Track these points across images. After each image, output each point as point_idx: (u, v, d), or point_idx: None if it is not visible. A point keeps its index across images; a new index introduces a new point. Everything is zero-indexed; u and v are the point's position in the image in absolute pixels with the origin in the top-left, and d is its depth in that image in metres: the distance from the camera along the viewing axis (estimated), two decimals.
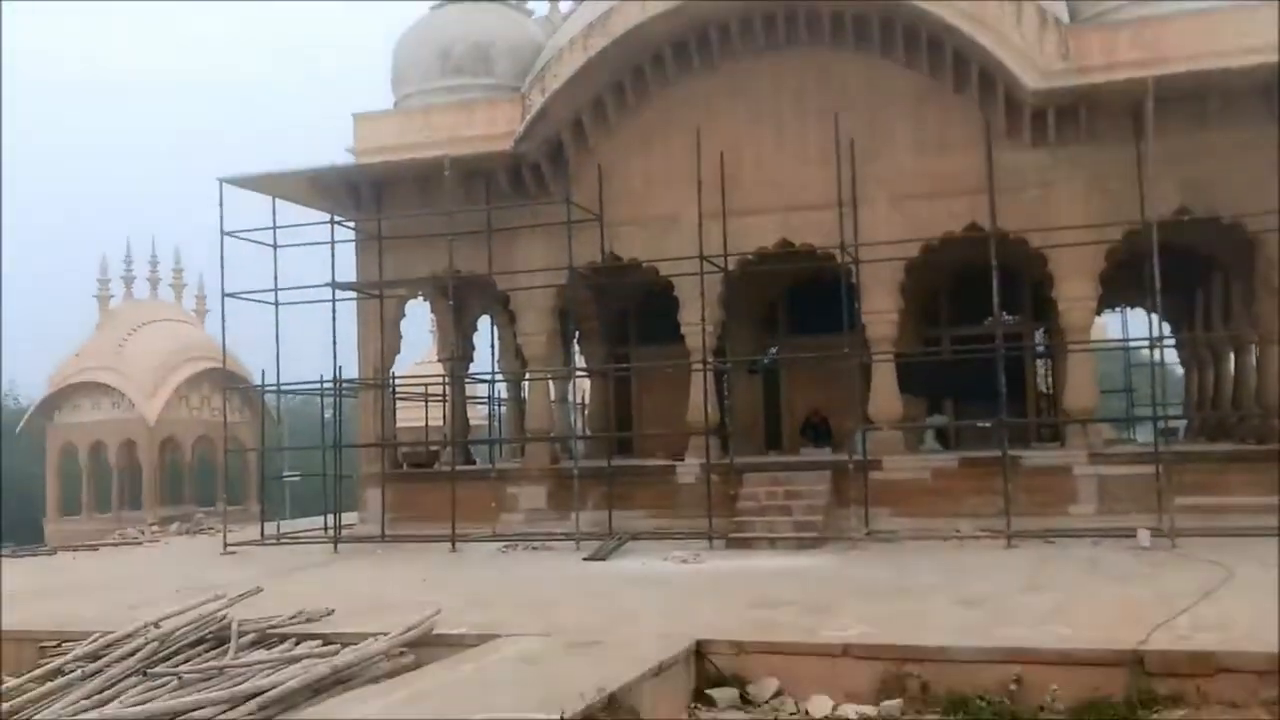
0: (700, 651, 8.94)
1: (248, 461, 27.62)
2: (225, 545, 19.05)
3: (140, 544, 22.82)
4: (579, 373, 24.61)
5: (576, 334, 22.73)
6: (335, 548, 18.41)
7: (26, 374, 42.15)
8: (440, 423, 22.98)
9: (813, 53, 18.23)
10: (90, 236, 40.77)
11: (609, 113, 19.06)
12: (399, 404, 22.21)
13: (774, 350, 22.52)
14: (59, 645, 10.39)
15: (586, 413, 23.49)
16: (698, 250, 17.72)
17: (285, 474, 24.67)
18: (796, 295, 21.85)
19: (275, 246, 19.39)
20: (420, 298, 22.50)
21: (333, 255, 19.46)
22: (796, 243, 18.11)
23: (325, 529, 19.60)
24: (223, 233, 19.07)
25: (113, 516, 27.78)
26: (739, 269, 18.41)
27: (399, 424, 22.20)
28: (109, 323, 29.17)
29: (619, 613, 11.00)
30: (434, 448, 22.07)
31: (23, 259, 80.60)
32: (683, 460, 18.53)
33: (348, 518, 20.00)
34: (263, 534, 20.05)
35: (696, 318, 18.06)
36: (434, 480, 19.64)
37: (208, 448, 28.94)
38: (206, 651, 9.84)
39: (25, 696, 8.75)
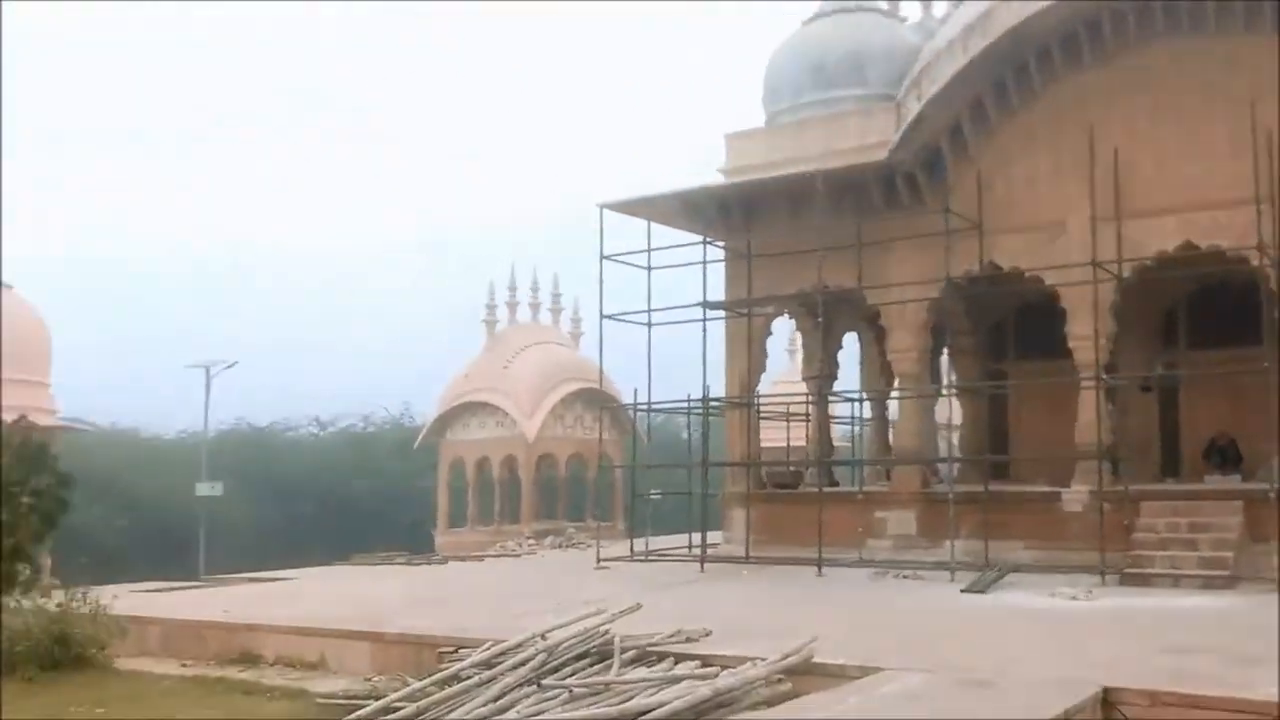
0: (1108, 699, 8.15)
1: (614, 478, 28.51)
2: (598, 560, 19.57)
3: (518, 555, 24.05)
4: (950, 390, 23.53)
5: (946, 350, 21.74)
6: (701, 567, 18.49)
7: (419, 394, 46.25)
8: (801, 442, 22.65)
9: (1221, 38, 16.51)
10: (476, 265, 43.97)
11: (990, 115, 18.14)
12: (761, 423, 22.09)
13: (1171, 364, 20.48)
14: (455, 651, 10.88)
15: (959, 434, 22.37)
16: (1088, 257, 16.54)
17: (651, 492, 25.18)
18: (1198, 303, 19.87)
19: (649, 269, 19.85)
20: (786, 315, 22.32)
21: (704, 275, 19.73)
22: (1202, 245, 16.41)
23: (689, 547, 19.75)
24: (602, 256, 19.76)
25: (493, 529, 29.46)
26: (1134, 276, 16.90)
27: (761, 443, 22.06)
28: (495, 345, 31.05)
29: (1007, 651, 10.35)
30: (794, 468, 21.75)
31: (417, 284, 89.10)
32: (1068, 486, 17.20)
33: (711, 536, 20.06)
34: (632, 550, 20.50)
35: (1086, 330, 16.80)
36: (799, 501, 19.37)
37: (579, 464, 30.17)
38: (589, 665, 9.96)
39: (430, 699, 9.20)
